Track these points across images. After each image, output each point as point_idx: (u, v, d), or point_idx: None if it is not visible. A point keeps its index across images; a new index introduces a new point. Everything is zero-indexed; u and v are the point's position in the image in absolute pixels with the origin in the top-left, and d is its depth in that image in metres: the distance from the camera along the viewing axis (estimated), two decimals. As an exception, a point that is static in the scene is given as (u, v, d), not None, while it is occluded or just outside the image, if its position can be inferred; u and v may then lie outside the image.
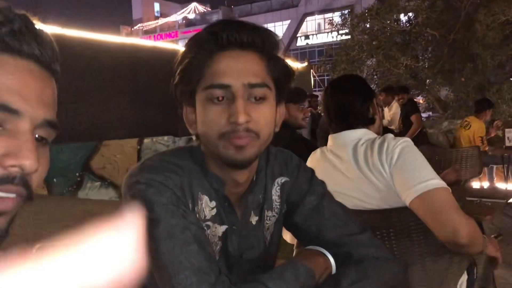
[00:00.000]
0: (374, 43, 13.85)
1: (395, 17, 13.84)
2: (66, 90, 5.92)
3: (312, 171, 1.16)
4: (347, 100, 1.74)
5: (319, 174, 1.66)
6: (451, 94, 13.69)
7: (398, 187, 1.51)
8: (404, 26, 13.91)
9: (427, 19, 12.84)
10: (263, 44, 0.92)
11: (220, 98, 0.88)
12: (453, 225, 1.37)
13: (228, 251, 1.00)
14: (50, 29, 6.37)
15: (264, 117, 0.90)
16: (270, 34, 0.94)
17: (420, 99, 15.33)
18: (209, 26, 0.93)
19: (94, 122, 6.45)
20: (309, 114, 3.63)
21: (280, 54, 0.96)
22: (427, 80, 13.65)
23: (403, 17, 14.21)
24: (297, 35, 46.40)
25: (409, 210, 1.51)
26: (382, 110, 6.61)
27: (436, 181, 1.43)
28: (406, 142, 1.54)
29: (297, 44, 45.89)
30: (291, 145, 1.85)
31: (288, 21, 46.46)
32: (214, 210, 0.98)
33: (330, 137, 1.78)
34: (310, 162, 1.81)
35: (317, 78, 16.37)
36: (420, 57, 13.79)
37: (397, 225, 1.59)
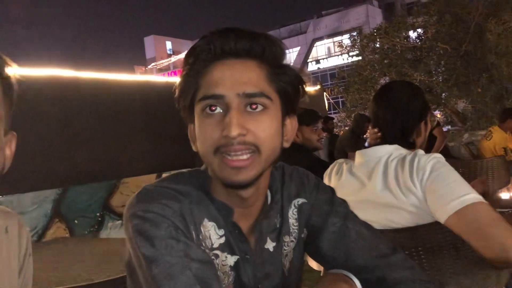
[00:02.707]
0: (385, 61, 13.85)
1: (404, 34, 13.84)
2: (83, 130, 5.98)
3: (332, 190, 1.06)
4: (390, 116, 1.62)
5: (344, 190, 1.60)
6: (468, 106, 13.50)
7: (432, 204, 1.42)
8: (414, 42, 13.88)
9: (437, 33, 12.82)
10: (263, 52, 0.85)
11: (213, 108, 0.82)
12: (499, 240, 1.27)
13: (242, 282, 0.92)
14: (65, 72, 6.52)
15: (264, 129, 0.83)
16: (273, 42, 0.87)
17: (437, 114, 15.16)
18: (205, 36, 0.87)
19: (111, 160, 6.48)
20: (324, 135, 3.57)
21: (286, 63, 0.89)
22: (443, 94, 13.52)
23: (412, 34, 14.21)
24: (308, 61, 46.74)
25: (437, 226, 1.43)
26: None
27: (473, 196, 1.34)
28: (437, 158, 1.47)
29: (309, 69, 46.12)
30: (309, 168, 1.79)
31: (298, 48, 46.90)
32: (223, 239, 0.90)
33: (358, 153, 1.68)
34: (332, 176, 1.74)
35: (331, 101, 16.34)
36: (433, 72, 13.70)
37: (425, 242, 1.50)
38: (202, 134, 0.84)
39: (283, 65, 0.88)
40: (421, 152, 1.51)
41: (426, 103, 1.69)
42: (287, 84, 0.88)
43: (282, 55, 0.88)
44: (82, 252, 4.75)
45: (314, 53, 46.77)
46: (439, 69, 13.80)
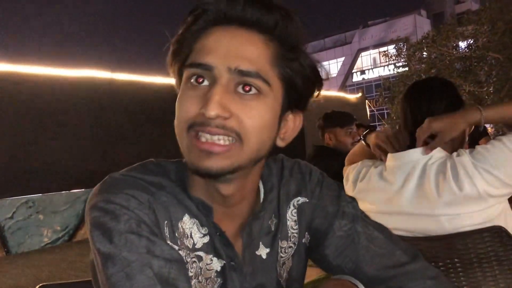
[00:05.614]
0: (432, 71, 13.49)
1: (453, 43, 13.51)
2: (116, 131, 6.02)
3: (338, 187, 0.92)
4: (420, 117, 1.48)
5: (374, 196, 1.49)
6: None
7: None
8: (463, 51, 13.49)
9: (488, 42, 12.36)
10: (274, 27, 0.71)
11: (200, 80, 0.70)
12: None
13: None
14: (100, 74, 6.69)
15: (253, 116, 0.69)
16: (291, 18, 0.72)
17: (488, 127, 14.53)
18: None
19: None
20: (359, 138, 3.36)
21: (303, 47, 0.74)
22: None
23: (461, 43, 13.82)
24: (353, 71, 46.28)
25: (477, 235, 1.30)
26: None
27: None
28: (471, 149, 1.35)
29: (353, 80, 45.76)
30: (340, 174, 1.64)
31: (342, 58, 46.55)
32: (207, 238, 0.78)
33: (391, 156, 1.53)
34: (357, 180, 1.56)
35: (375, 112, 16.00)
36: (484, 82, 13.21)
37: (463, 253, 1.36)
38: (180, 107, 0.72)
39: (297, 50, 0.73)
40: (459, 152, 1.37)
41: (459, 97, 1.56)
42: (296, 73, 0.74)
43: (299, 37, 0.73)
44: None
45: (359, 64, 46.30)
46: (490, 80, 13.29)
